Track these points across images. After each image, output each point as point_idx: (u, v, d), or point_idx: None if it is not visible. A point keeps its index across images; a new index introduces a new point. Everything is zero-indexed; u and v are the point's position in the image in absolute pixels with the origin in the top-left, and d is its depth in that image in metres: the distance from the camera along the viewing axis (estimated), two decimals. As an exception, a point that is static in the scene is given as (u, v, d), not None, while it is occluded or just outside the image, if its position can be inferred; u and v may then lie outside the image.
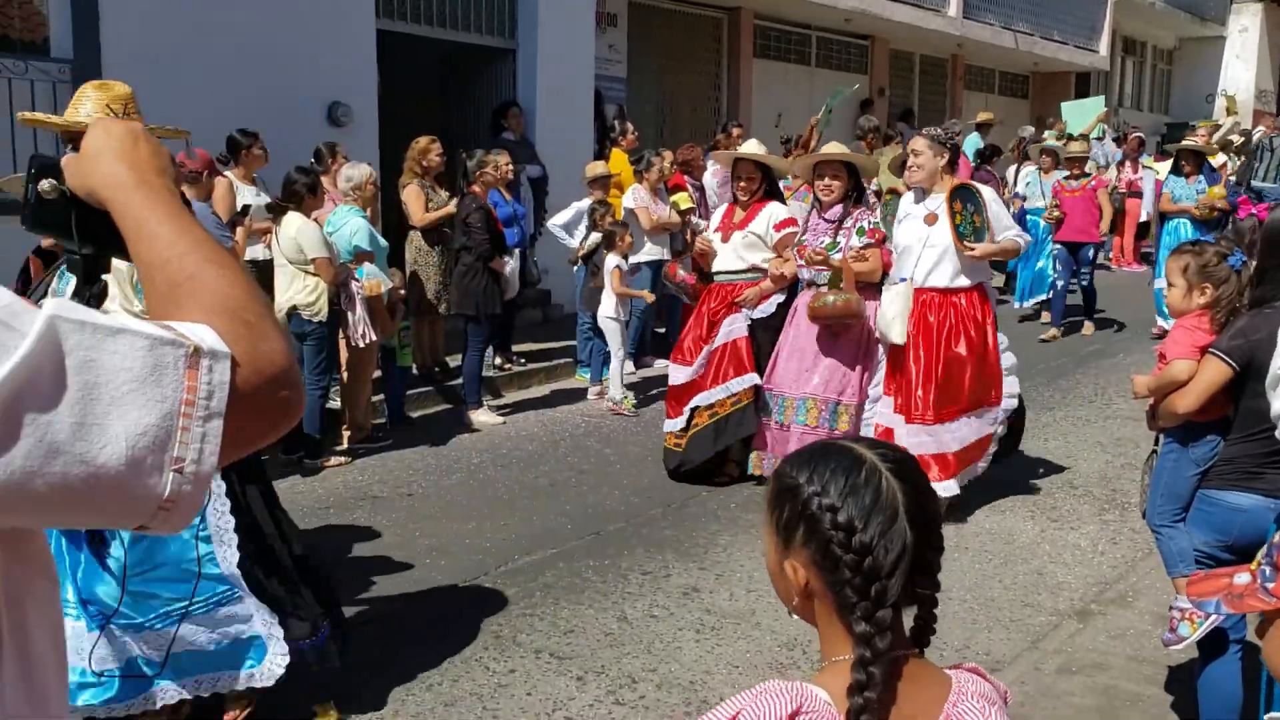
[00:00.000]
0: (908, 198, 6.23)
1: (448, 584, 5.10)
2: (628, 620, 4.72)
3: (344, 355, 7.27)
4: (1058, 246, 11.47)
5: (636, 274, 8.93)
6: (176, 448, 0.95)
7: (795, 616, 1.49)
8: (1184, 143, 12.52)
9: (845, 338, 6.27)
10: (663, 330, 10.38)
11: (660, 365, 9.87)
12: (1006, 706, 1.52)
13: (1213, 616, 3.32)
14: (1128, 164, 16.27)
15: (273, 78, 8.70)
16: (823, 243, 6.29)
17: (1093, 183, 11.50)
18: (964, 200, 5.89)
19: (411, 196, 8.30)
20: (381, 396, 7.85)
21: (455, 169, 8.75)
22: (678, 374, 6.71)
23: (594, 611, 4.79)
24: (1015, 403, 6.00)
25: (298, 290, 6.76)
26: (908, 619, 1.46)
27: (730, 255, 6.69)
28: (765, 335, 6.60)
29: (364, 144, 9.18)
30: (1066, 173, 11.70)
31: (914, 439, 5.70)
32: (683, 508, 6.25)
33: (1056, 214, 11.27)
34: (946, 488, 5.71)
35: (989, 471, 6.55)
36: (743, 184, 6.73)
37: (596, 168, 9.42)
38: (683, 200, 9.89)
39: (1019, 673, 4.29)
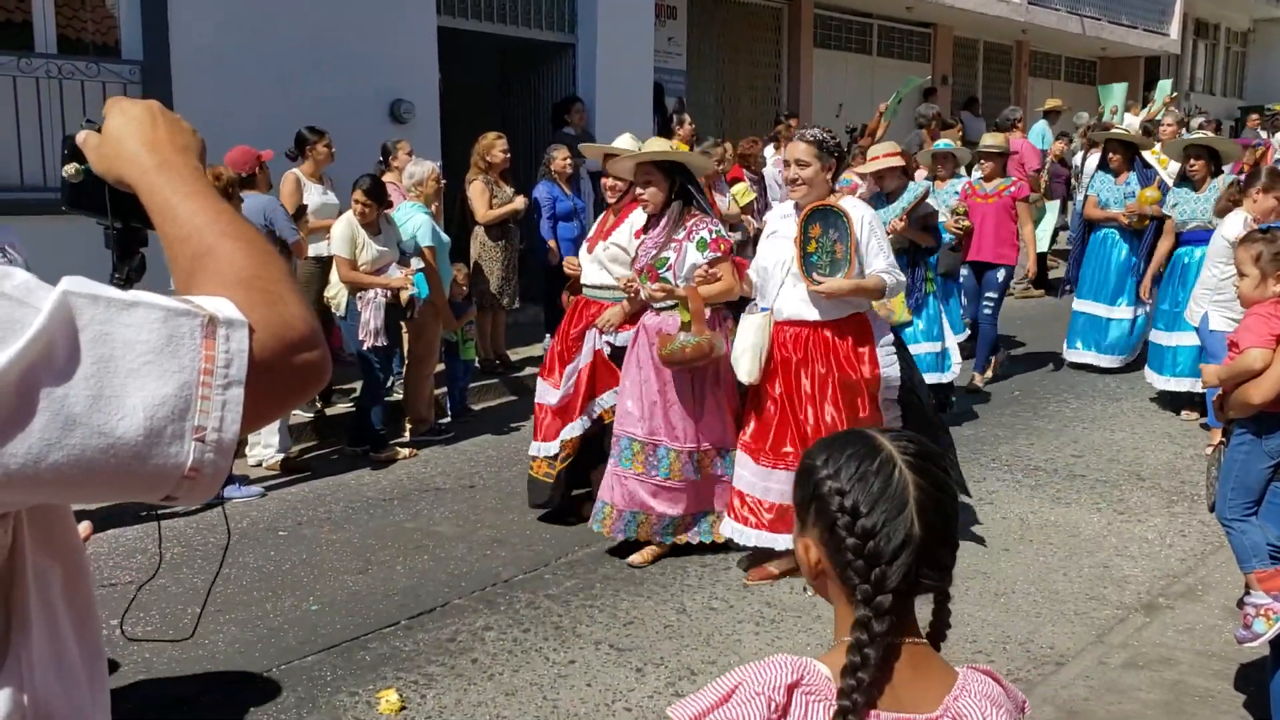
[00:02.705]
0: (778, 210, 5.28)
1: (508, 575, 5.15)
2: (687, 612, 4.73)
3: (406, 348, 7.38)
4: (964, 272, 8.71)
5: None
6: (197, 417, 0.95)
7: (813, 594, 1.53)
8: (1111, 131, 10.04)
9: (703, 373, 5.23)
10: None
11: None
12: (1024, 717, 1.51)
13: None
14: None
15: (336, 76, 8.82)
16: (651, 258, 5.27)
17: (1011, 188, 8.75)
18: (824, 224, 4.81)
19: (476, 192, 8.40)
20: (444, 390, 7.93)
21: (519, 164, 8.82)
22: (546, 394, 5.78)
23: (653, 603, 4.81)
24: None
25: (334, 283, 7.07)
26: (924, 612, 1.48)
27: (593, 268, 5.71)
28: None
29: (426, 140, 9.27)
30: (980, 175, 9.01)
31: (761, 481, 4.97)
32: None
33: (965, 223, 8.24)
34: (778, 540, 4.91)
35: (1053, 462, 6.49)
36: (610, 184, 5.83)
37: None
38: (743, 193, 9.87)
39: (1084, 667, 4.24)
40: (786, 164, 4.90)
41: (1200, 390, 7.08)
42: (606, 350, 5.54)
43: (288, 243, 6.70)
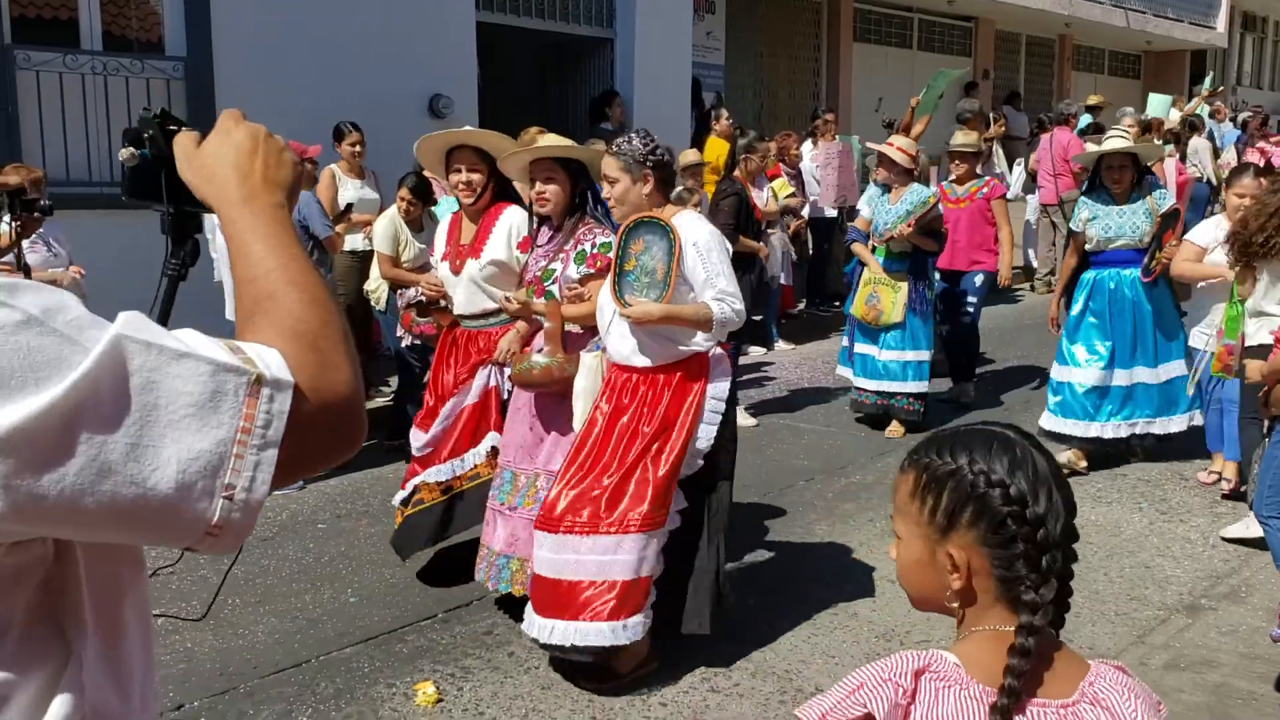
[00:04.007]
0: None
1: (545, 569, 5.16)
2: (723, 606, 4.71)
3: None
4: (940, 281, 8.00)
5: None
6: (229, 475, 0.96)
7: (921, 610, 1.55)
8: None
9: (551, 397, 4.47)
10: (759, 318, 10.33)
11: (755, 353, 9.86)
12: (1160, 715, 1.50)
13: None
14: (1248, 148, 15.37)
15: (376, 72, 8.88)
16: (539, 270, 4.58)
17: (984, 189, 8.14)
18: (648, 239, 4.09)
19: (516, 187, 8.41)
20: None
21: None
22: (416, 439, 4.95)
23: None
24: (676, 522, 4.04)
25: (374, 277, 7.15)
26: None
27: (468, 292, 4.82)
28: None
29: (465, 136, 9.32)
30: (951, 176, 8.38)
31: (560, 555, 3.98)
32: (779, 497, 6.22)
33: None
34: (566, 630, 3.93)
35: (1094, 460, 6.40)
36: (460, 178, 4.79)
37: (689, 155, 9.41)
38: (782, 188, 9.84)
39: (1124, 668, 4.19)
40: (606, 179, 4.22)
41: (1164, 432, 6.48)
42: (505, 392, 4.74)
43: (320, 239, 6.76)
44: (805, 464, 6.86)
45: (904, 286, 7.23)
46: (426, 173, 7.88)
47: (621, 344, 4.11)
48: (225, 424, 0.95)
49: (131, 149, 1.36)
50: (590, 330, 4.41)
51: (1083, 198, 6.71)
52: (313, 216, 6.73)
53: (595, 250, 4.41)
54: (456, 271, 4.81)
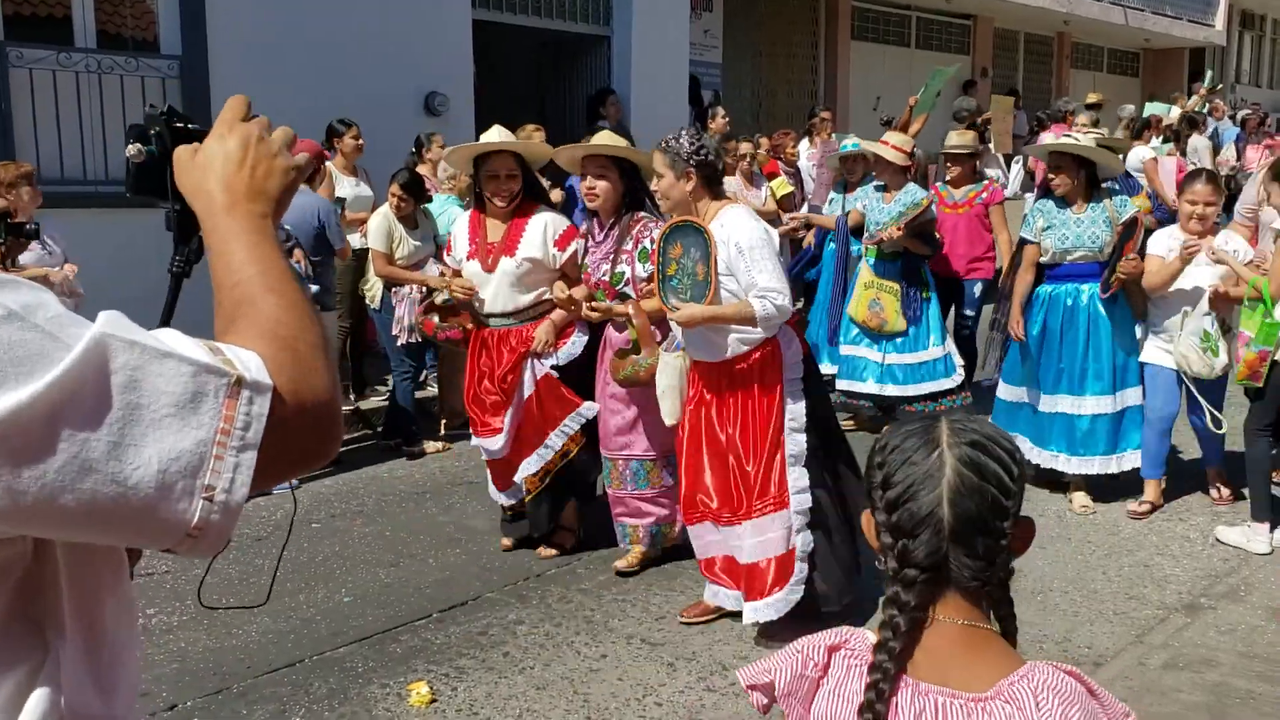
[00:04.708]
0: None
1: (540, 569, 5.14)
2: (720, 607, 4.70)
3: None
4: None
5: None
6: (209, 476, 0.95)
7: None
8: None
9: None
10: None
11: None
12: None
13: None
14: (1248, 147, 15.22)
15: (371, 70, 8.85)
16: (604, 273, 4.80)
17: (984, 194, 7.64)
18: (686, 242, 4.25)
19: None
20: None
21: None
22: (490, 444, 5.08)
23: (686, 598, 4.77)
24: (807, 503, 4.30)
25: (370, 275, 7.14)
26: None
27: (502, 291, 4.95)
28: (579, 377, 5.04)
29: (461, 133, 9.28)
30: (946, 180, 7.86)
31: (711, 536, 4.49)
32: (776, 495, 6.19)
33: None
34: (756, 609, 4.31)
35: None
36: (499, 183, 4.91)
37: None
38: (780, 186, 9.81)
39: (1123, 667, 4.17)
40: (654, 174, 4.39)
41: (1119, 470, 5.87)
42: (555, 374, 4.97)
43: (334, 247, 6.73)
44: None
45: (898, 290, 6.97)
46: (422, 169, 7.89)
47: (692, 341, 4.35)
48: (206, 424, 0.95)
49: (139, 145, 1.35)
50: (662, 323, 4.61)
51: (1037, 202, 6.14)
52: (331, 224, 6.70)
53: (655, 246, 4.53)
54: (490, 269, 4.92)
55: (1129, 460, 5.84)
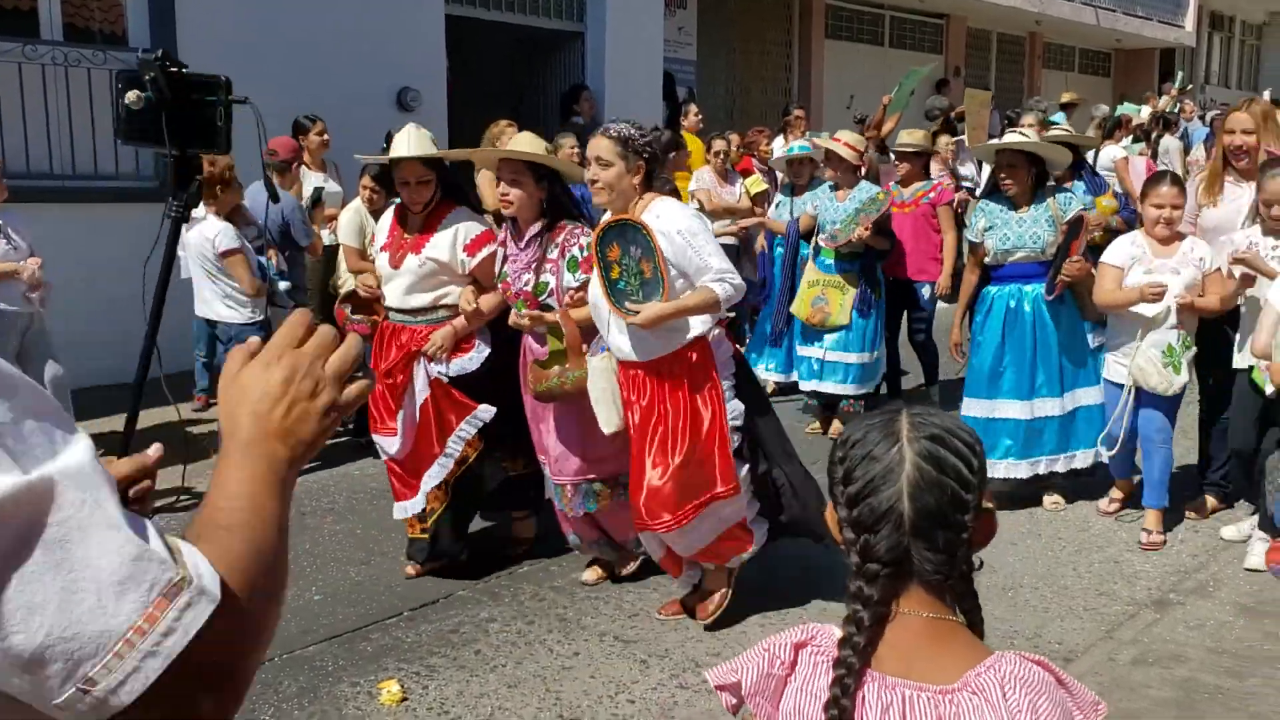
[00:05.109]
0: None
1: (513, 566, 5.12)
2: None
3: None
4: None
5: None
6: (97, 669, 0.85)
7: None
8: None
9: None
10: (732, 314, 10.32)
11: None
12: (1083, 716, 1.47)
13: None
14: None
15: (343, 65, 8.79)
16: (526, 283, 4.52)
17: (931, 193, 7.53)
18: (622, 242, 4.08)
19: (484, 180, 8.33)
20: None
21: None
22: (388, 444, 4.88)
23: (659, 596, 4.76)
24: (750, 489, 4.37)
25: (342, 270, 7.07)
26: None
27: (402, 288, 4.74)
28: (492, 393, 4.77)
29: (434, 129, 9.14)
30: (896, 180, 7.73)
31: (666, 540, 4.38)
32: (750, 492, 6.20)
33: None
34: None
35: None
36: (410, 190, 4.70)
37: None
38: (754, 184, 9.81)
39: (1093, 663, 4.19)
40: (586, 162, 4.18)
41: (1063, 470, 5.75)
42: (444, 378, 4.72)
43: (300, 244, 6.69)
44: (776, 460, 6.84)
45: (853, 289, 6.97)
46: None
47: (623, 342, 4.17)
48: (122, 616, 0.86)
49: (137, 91, 1.33)
50: (589, 331, 4.43)
51: (980, 202, 5.94)
52: (295, 223, 6.66)
53: (588, 254, 4.34)
54: (395, 266, 4.73)
55: (1080, 459, 5.71)
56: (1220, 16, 25.96)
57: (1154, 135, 13.94)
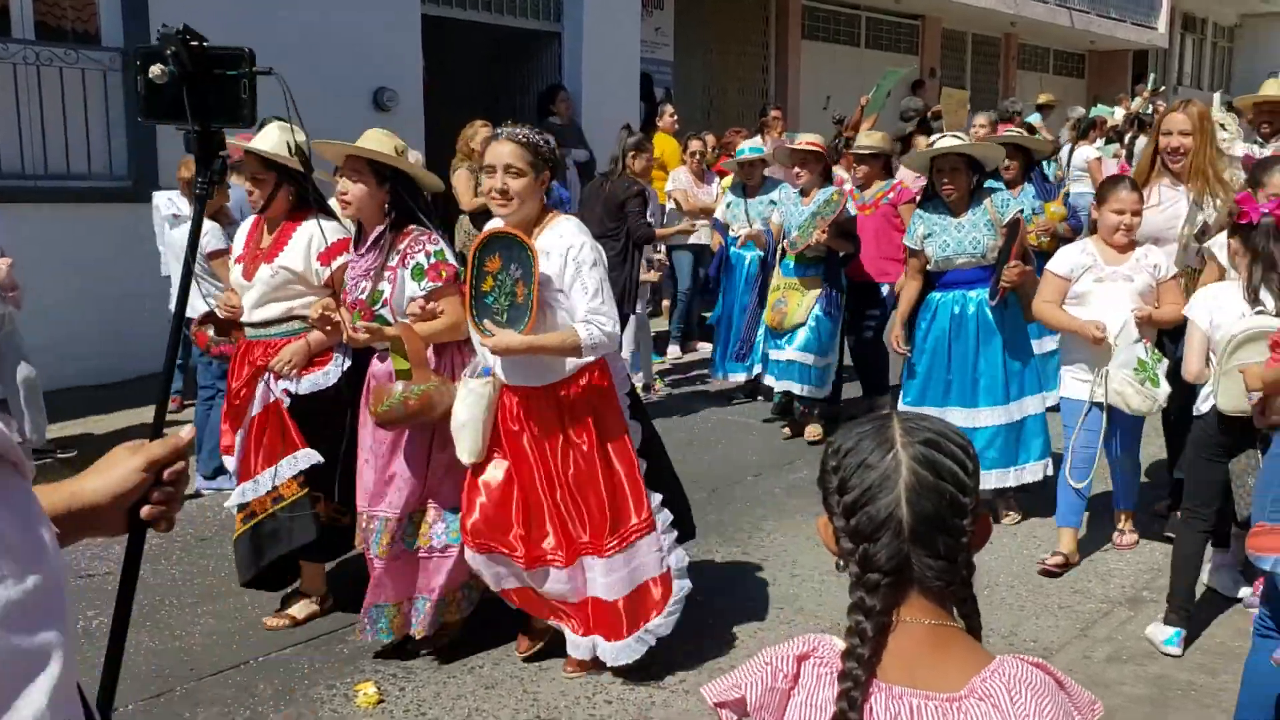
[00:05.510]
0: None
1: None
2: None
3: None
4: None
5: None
6: None
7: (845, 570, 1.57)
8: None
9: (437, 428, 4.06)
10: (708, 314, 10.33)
11: (705, 349, 9.86)
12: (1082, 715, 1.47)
13: None
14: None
15: (319, 64, 8.75)
16: (362, 291, 4.10)
17: (891, 193, 7.39)
18: (506, 255, 3.71)
19: (461, 181, 8.33)
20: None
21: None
22: (228, 463, 4.64)
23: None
24: (669, 518, 4.06)
25: None
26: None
27: (254, 299, 4.36)
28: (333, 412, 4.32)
29: (410, 129, 9.22)
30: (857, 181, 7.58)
31: (553, 585, 3.97)
32: (727, 492, 6.21)
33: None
34: (618, 651, 3.96)
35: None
36: (253, 186, 4.37)
37: (637, 150, 9.35)
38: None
39: (1068, 660, 4.22)
40: (491, 169, 3.74)
41: (1014, 485, 5.60)
42: (286, 401, 4.28)
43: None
44: (754, 459, 6.86)
45: (815, 290, 6.98)
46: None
47: (512, 365, 3.84)
48: None
49: (160, 65, 1.32)
50: (450, 347, 4.12)
51: (918, 210, 5.76)
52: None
53: (434, 260, 4.00)
54: (249, 277, 4.36)
55: (1029, 472, 5.58)
56: (1193, 18, 26.20)
57: (1128, 137, 14.04)
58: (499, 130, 3.79)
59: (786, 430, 7.40)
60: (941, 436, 1.47)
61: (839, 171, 8.40)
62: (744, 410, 8.05)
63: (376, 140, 4.15)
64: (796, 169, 7.11)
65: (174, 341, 1.86)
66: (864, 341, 7.55)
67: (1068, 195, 8.14)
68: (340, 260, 4.31)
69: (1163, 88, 19.63)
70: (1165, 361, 4.88)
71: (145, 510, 1.48)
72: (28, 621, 0.85)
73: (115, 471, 1.46)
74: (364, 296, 4.08)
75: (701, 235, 9.25)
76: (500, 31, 11.00)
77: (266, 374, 4.29)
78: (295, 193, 4.35)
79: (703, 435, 7.36)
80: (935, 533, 1.43)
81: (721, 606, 4.67)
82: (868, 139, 7.60)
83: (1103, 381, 4.83)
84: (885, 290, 7.35)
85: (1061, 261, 5.07)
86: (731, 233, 7.97)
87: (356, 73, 9.09)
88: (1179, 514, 4.62)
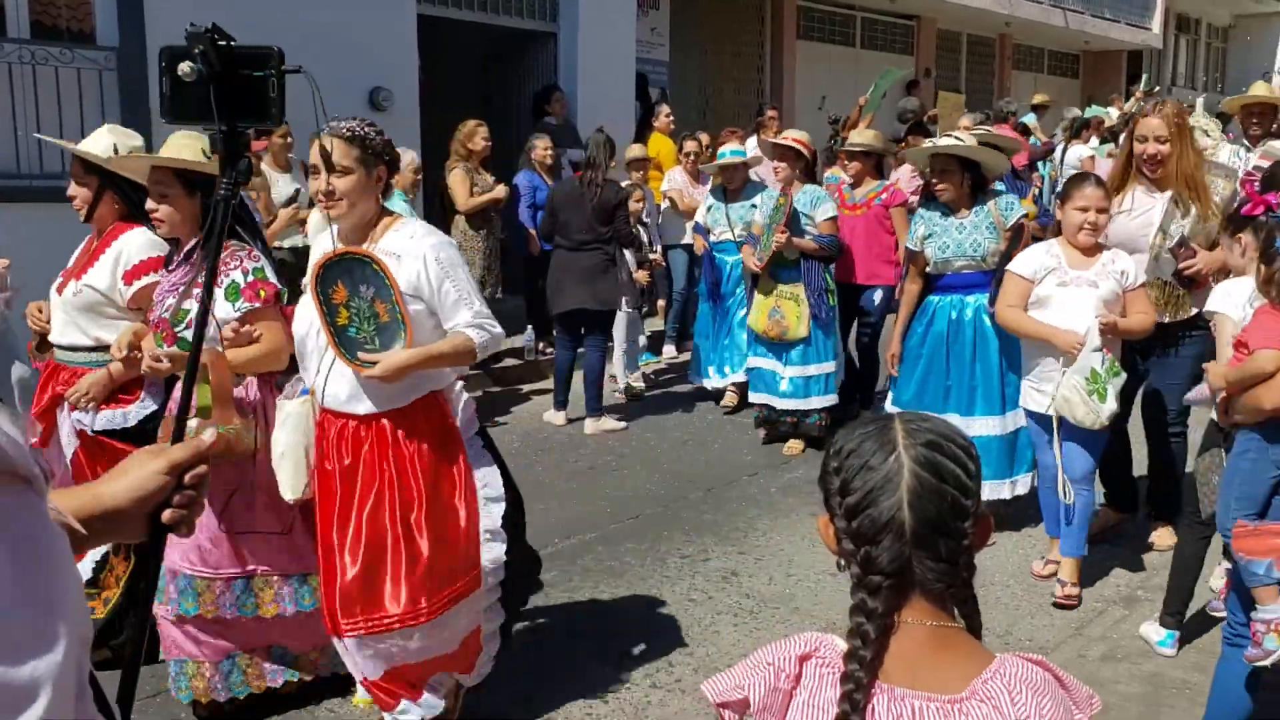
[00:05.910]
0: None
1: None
2: (666, 603, 4.71)
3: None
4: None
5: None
6: None
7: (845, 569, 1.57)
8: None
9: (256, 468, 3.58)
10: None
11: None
12: (1090, 713, 1.48)
13: None
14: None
15: (314, 64, 8.58)
16: (166, 309, 3.60)
17: (883, 194, 7.28)
18: (349, 282, 3.24)
19: (456, 180, 8.35)
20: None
21: (500, 153, 8.77)
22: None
23: (632, 595, 4.78)
24: (501, 574, 3.49)
25: None
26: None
27: (60, 321, 3.98)
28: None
29: (405, 128, 9.20)
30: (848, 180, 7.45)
31: (361, 655, 3.39)
32: (723, 492, 6.22)
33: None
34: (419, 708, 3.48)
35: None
36: (74, 192, 3.98)
37: (633, 150, 9.39)
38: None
39: (1063, 659, 4.23)
40: (315, 170, 3.22)
41: (1012, 495, 5.50)
42: (90, 430, 3.87)
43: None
44: (749, 459, 6.87)
45: (805, 298, 6.68)
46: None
47: (339, 387, 3.29)
48: None
49: (189, 63, 1.32)
50: (261, 380, 3.66)
51: (919, 209, 5.67)
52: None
53: (253, 279, 3.52)
54: (59, 292, 3.99)
55: (1023, 484, 5.49)
56: (1187, 19, 26.25)
57: (1123, 136, 14.06)
58: (322, 127, 3.12)
59: (762, 432, 7.23)
60: (943, 438, 1.47)
61: (836, 174, 8.38)
62: (739, 411, 8.05)
63: (179, 146, 3.70)
64: (775, 164, 6.98)
65: (197, 337, 1.83)
66: (861, 347, 7.49)
67: (1039, 193, 8.03)
68: (145, 280, 3.84)
69: (1157, 88, 19.68)
70: (1122, 377, 4.53)
71: (166, 514, 1.49)
72: (15, 652, 0.84)
73: (137, 475, 1.47)
74: (167, 315, 3.56)
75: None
76: (496, 31, 10.99)
77: (65, 404, 3.92)
78: (121, 201, 3.97)
79: (698, 435, 7.38)
80: (937, 535, 1.43)
81: (717, 605, 4.68)
82: (860, 136, 7.58)
83: (1056, 387, 4.58)
84: (878, 296, 7.26)
85: (1025, 262, 4.76)
86: (713, 237, 7.93)
87: (352, 72, 9.08)
88: (1176, 519, 4.62)
